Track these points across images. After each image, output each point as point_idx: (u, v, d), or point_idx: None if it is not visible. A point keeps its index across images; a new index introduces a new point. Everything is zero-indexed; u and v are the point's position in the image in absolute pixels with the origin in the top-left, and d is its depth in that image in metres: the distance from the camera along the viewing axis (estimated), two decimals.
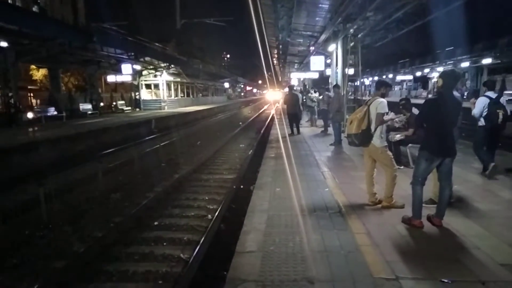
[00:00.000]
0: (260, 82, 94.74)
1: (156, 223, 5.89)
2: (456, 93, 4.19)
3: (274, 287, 2.93)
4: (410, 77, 43.36)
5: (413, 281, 2.97)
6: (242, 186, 7.90)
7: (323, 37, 14.94)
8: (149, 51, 23.89)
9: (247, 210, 4.85)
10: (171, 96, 29.23)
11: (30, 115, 16.87)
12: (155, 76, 27.48)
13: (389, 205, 4.66)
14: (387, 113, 4.67)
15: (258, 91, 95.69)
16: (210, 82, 42.19)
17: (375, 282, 2.97)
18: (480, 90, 27.92)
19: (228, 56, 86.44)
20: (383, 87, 4.74)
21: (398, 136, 6.74)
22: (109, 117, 20.46)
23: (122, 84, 31.79)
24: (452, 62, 29.48)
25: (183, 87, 32.45)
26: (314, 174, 6.77)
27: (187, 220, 5.97)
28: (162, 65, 26.47)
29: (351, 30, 12.51)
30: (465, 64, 28.59)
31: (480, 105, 5.97)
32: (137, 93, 28.22)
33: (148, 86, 28.16)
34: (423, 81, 42.90)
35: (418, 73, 39.31)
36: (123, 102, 27.85)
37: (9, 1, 14.28)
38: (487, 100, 5.93)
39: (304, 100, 17.25)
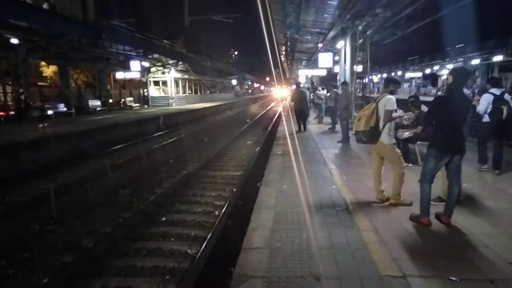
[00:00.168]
0: (267, 79, 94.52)
1: (164, 218, 5.93)
2: (466, 91, 4.14)
3: (281, 284, 2.94)
4: (419, 74, 42.88)
5: (421, 279, 2.95)
6: (249, 183, 7.91)
7: (331, 34, 14.83)
8: (158, 48, 23.99)
9: (254, 206, 4.86)
10: (179, 93, 29.33)
11: (39, 111, 17.06)
12: (163, 73, 27.59)
13: (397, 203, 4.64)
14: (395, 111, 4.64)
15: (265, 88, 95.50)
16: (217, 79, 42.24)
17: (382, 279, 2.96)
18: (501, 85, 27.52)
19: (236, 53, 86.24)
20: (392, 84, 4.70)
21: (406, 134, 6.69)
22: (118, 113, 20.61)
23: (131, 81, 32.00)
24: (462, 59, 29.08)
25: (191, 84, 32.53)
26: (321, 171, 6.76)
27: (194, 216, 6.00)
28: (170, 62, 26.56)
29: (360, 27, 12.42)
30: (476, 62, 28.19)
31: (484, 102, 6.04)
32: (145, 90, 28.39)
33: (156, 83, 28.30)
34: (433, 79, 42.40)
35: (428, 71, 38.82)
36: (131, 98, 28.06)
37: None
38: (491, 97, 5.99)
39: (312, 97, 17.18)
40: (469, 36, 24.67)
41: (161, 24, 35.76)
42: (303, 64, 32.16)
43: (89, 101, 21.94)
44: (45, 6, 16.51)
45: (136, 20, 25.37)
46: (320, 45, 18.51)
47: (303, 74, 30.51)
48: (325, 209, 4.64)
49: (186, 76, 30.54)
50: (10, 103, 19.05)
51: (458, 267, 3.13)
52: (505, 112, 5.83)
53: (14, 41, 14.57)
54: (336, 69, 16.85)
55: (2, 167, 8.86)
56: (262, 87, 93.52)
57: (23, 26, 13.54)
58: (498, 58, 25.50)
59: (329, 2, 12.83)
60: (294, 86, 15.72)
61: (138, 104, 27.10)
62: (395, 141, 4.80)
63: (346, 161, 7.84)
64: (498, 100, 5.93)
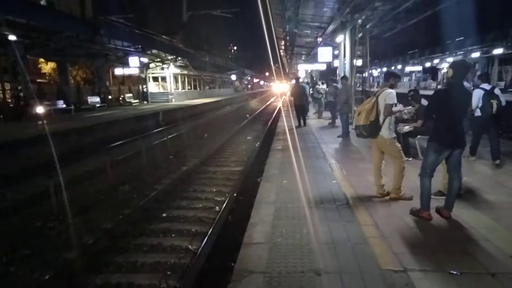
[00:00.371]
0: (267, 74, 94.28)
1: (164, 214, 5.94)
2: (466, 84, 4.12)
3: (281, 279, 2.94)
4: (419, 68, 42.78)
5: (421, 273, 2.96)
6: (249, 178, 7.91)
7: (330, 28, 14.76)
8: (156, 43, 23.91)
9: (254, 202, 4.86)
10: (178, 88, 29.28)
11: (39, 108, 17.02)
12: (162, 68, 27.53)
13: (397, 197, 4.64)
14: (395, 105, 4.62)
15: (265, 83, 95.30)
16: (217, 74, 42.14)
17: (383, 273, 2.96)
18: (491, 80, 27.45)
19: (235, 48, 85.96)
20: (392, 78, 4.68)
21: (406, 128, 6.68)
22: (117, 110, 20.58)
23: (130, 77, 31.93)
24: (462, 52, 28.98)
25: (190, 79, 32.47)
26: (321, 166, 6.75)
27: (195, 212, 6.01)
28: (169, 57, 26.48)
29: (359, 21, 12.36)
30: (476, 55, 28.10)
31: (475, 97, 6.16)
32: (144, 86, 28.33)
33: (155, 79, 28.24)
34: (433, 72, 42.31)
35: (428, 64, 38.72)
36: (130, 95, 28.00)
37: None
38: (482, 92, 6.18)
39: (311, 92, 17.14)
40: (469, 29, 24.57)
41: (159, 20, 35.60)
42: (303, 58, 32.07)
43: (88, 97, 21.89)
44: (42, 2, 16.44)
45: (135, 16, 25.25)
46: (319, 39, 18.44)
47: (303, 69, 30.42)
48: (326, 204, 4.64)
49: (185, 72, 30.47)
50: (9, 100, 19.02)
51: (459, 261, 3.13)
52: (495, 106, 6.07)
53: (12, 37, 14.49)
54: (336, 63, 16.79)
55: (2, 165, 8.86)
56: (262, 82, 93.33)
57: (21, 22, 13.48)
58: (498, 51, 25.42)
59: None
60: (293, 81, 15.66)
61: (137, 100, 27.05)
62: (395, 135, 4.79)
63: (346, 155, 7.83)
64: (488, 95, 6.14)
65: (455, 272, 2.94)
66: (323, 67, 21.89)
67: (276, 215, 4.31)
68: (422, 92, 8.03)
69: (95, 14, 18.86)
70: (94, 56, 22.09)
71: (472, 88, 6.88)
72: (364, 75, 22.42)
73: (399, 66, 44.24)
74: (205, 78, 36.65)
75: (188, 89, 31.83)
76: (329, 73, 20.97)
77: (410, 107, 6.58)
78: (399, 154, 4.63)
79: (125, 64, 24.08)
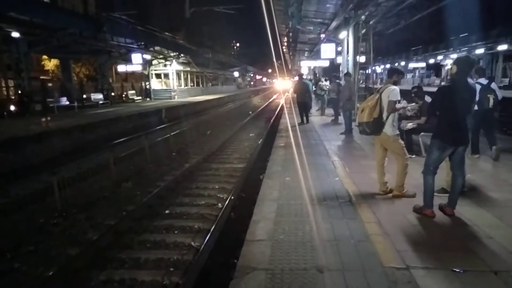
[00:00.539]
0: (270, 71, 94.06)
1: (167, 211, 5.96)
2: (470, 80, 4.09)
3: (284, 276, 2.94)
4: (423, 64, 42.53)
5: (424, 270, 2.95)
6: (252, 176, 7.91)
7: (334, 24, 14.68)
8: (159, 40, 23.89)
9: (257, 199, 4.86)
10: (181, 85, 29.27)
11: (42, 105, 17.10)
12: (165, 65, 27.52)
13: (400, 194, 4.62)
14: (399, 101, 4.59)
15: (267, 80, 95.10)
16: (219, 71, 42.09)
17: (385, 271, 2.95)
18: (495, 77, 27.29)
19: (238, 44, 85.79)
20: (395, 75, 4.65)
21: (410, 125, 6.65)
22: (120, 106, 20.62)
23: (133, 73, 32.02)
24: (466, 49, 28.79)
25: (193, 76, 32.44)
26: (324, 163, 6.74)
27: (197, 209, 6.02)
28: (172, 54, 26.47)
29: (363, 17, 12.26)
30: (480, 51, 27.91)
31: None
32: (147, 83, 28.35)
33: (158, 76, 28.24)
34: (436, 69, 42.09)
35: (431, 61, 38.50)
36: (133, 91, 28.06)
37: None
38: (479, 87, 6.15)
39: (314, 88, 17.08)
40: (473, 25, 24.38)
41: (162, 16, 35.53)
42: (306, 55, 31.99)
43: (91, 94, 21.96)
44: None
45: (137, 12, 25.26)
46: (322, 35, 18.34)
47: (306, 65, 30.33)
48: (328, 201, 4.63)
49: (188, 69, 30.44)
50: (13, 97, 19.09)
51: (462, 258, 3.12)
52: (491, 100, 6.12)
53: (16, 35, 14.55)
54: (339, 60, 16.70)
55: (7, 161, 8.91)
56: (265, 79, 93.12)
57: (24, 19, 13.51)
58: (503, 47, 25.24)
59: None
60: (296, 78, 15.60)
61: (140, 97, 27.09)
62: (398, 132, 4.77)
63: (349, 153, 7.81)
64: (485, 90, 6.17)
65: (458, 270, 2.93)
66: (326, 63, 21.81)
67: (278, 212, 4.31)
68: (425, 88, 7.96)
69: (98, 11, 18.83)
70: (97, 53, 22.13)
71: (475, 84, 6.89)
72: (367, 71, 22.29)
73: (403, 63, 43.98)
74: (208, 75, 36.63)
75: (191, 86, 31.82)
76: (332, 70, 20.89)
77: (413, 104, 6.55)
78: (402, 151, 4.61)
79: (128, 61, 24.10)
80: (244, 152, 10.63)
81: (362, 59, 13.47)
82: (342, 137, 9.62)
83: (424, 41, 36.28)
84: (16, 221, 5.67)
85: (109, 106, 20.85)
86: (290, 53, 40.29)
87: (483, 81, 6.29)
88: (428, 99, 6.45)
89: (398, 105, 4.56)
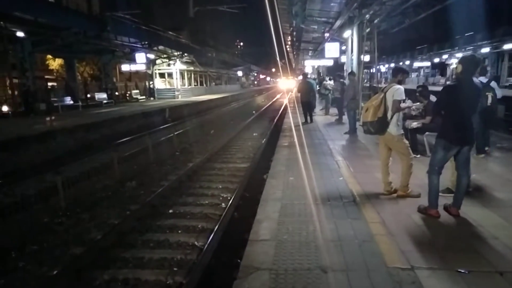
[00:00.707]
0: (273, 70, 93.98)
1: (171, 211, 5.96)
2: (475, 80, 4.05)
3: (288, 276, 2.93)
4: (428, 63, 42.28)
5: (429, 271, 2.93)
6: (255, 175, 7.90)
7: (338, 23, 14.65)
8: (163, 39, 23.94)
9: (260, 199, 4.85)
10: (184, 85, 29.31)
11: (46, 104, 17.17)
12: (169, 65, 27.56)
13: (405, 194, 4.60)
14: (404, 101, 4.56)
15: (271, 79, 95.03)
16: (223, 70, 42.10)
17: (390, 271, 2.94)
18: (500, 76, 27.09)
19: (242, 44, 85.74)
20: (400, 74, 4.62)
21: (415, 124, 6.61)
22: (124, 106, 20.68)
23: (136, 73, 32.08)
24: (471, 47, 28.58)
25: (197, 76, 32.49)
26: (328, 163, 6.71)
27: (201, 208, 6.02)
28: (176, 53, 26.50)
29: (367, 16, 12.21)
30: (485, 50, 27.69)
31: None
32: (151, 82, 28.40)
33: (162, 75, 28.30)
34: (441, 68, 41.77)
35: (436, 60, 38.25)
36: (137, 91, 28.13)
37: None
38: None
39: (318, 88, 17.05)
40: (478, 24, 24.17)
41: (166, 15, 35.56)
42: (310, 54, 31.92)
43: (95, 93, 22.04)
44: None
45: (141, 12, 25.26)
46: (326, 34, 18.33)
47: (310, 65, 30.26)
48: (332, 201, 4.61)
49: (192, 68, 30.48)
50: (17, 96, 19.19)
51: (467, 259, 3.10)
52: (490, 98, 6.13)
53: (20, 34, 14.63)
54: (343, 59, 16.66)
55: (12, 161, 8.96)
56: (268, 78, 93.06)
57: (29, 19, 13.58)
58: (508, 46, 25.02)
59: None
60: (300, 77, 15.58)
61: (144, 97, 27.15)
62: (403, 132, 4.74)
63: (353, 152, 7.78)
64: (484, 87, 6.12)
65: (463, 271, 2.91)
66: (330, 62, 21.74)
67: (282, 212, 4.30)
68: (430, 88, 7.94)
69: (102, 10, 18.90)
70: (101, 52, 22.21)
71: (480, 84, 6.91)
72: (371, 70, 22.20)
73: (407, 62, 43.73)
74: (212, 74, 36.65)
75: (195, 85, 31.86)
76: (336, 69, 20.84)
77: (418, 103, 6.52)
78: (407, 151, 4.58)
79: (132, 60, 24.17)
80: (248, 152, 10.62)
81: (366, 58, 13.40)
82: (346, 137, 9.59)
83: (429, 40, 36.05)
84: (21, 220, 5.69)
85: (113, 105, 20.91)
86: (294, 52, 40.26)
87: (483, 79, 6.29)
88: (433, 98, 6.41)
89: (402, 105, 4.54)
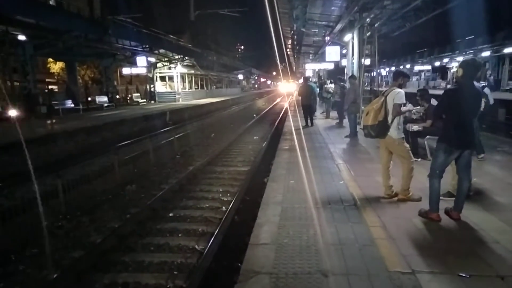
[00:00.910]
0: (274, 73, 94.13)
1: (171, 214, 5.96)
2: (476, 84, 4.05)
3: (288, 280, 2.92)
4: (429, 67, 42.31)
5: (430, 275, 2.92)
6: (256, 179, 7.89)
7: (338, 26, 14.67)
8: (164, 43, 23.98)
9: (261, 202, 4.84)
10: (185, 88, 29.36)
11: (47, 108, 17.17)
12: (170, 68, 27.62)
13: (406, 198, 4.58)
14: (404, 104, 4.56)
15: (272, 82, 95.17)
16: (224, 74, 42.17)
17: (391, 275, 2.93)
18: (501, 80, 27.10)
19: (242, 47, 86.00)
20: (400, 78, 4.62)
21: (415, 127, 6.60)
22: (125, 109, 20.70)
23: (137, 76, 32.13)
24: (472, 51, 28.61)
25: (197, 79, 32.54)
26: (328, 166, 6.71)
27: (201, 212, 6.02)
28: (177, 57, 26.55)
29: (368, 20, 12.24)
30: (486, 54, 27.72)
31: None
32: (152, 86, 28.45)
33: (162, 79, 28.36)
34: (442, 72, 41.81)
35: (437, 63, 38.30)
36: (138, 94, 28.15)
37: None
38: None
39: (319, 91, 17.06)
40: (479, 27, 24.22)
41: (167, 19, 35.74)
42: (310, 57, 31.94)
43: (96, 97, 22.06)
44: (51, 2, 16.60)
45: (142, 15, 25.36)
46: (327, 38, 18.34)
47: (310, 68, 30.28)
48: (333, 204, 4.60)
49: (192, 71, 30.54)
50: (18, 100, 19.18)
51: (468, 263, 3.09)
52: (482, 103, 6.04)
53: (22, 37, 14.67)
54: (344, 62, 16.68)
55: (12, 164, 8.95)
56: (269, 82, 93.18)
57: (30, 22, 13.62)
58: (509, 50, 25.03)
59: None
60: (301, 80, 15.59)
61: (144, 100, 27.18)
62: (403, 136, 4.73)
63: (354, 156, 7.77)
64: None
65: (464, 275, 2.90)
66: (330, 66, 21.74)
67: (283, 215, 4.29)
68: (431, 91, 7.95)
69: (103, 14, 18.99)
70: (102, 56, 22.25)
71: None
72: (372, 74, 22.23)
73: (408, 65, 43.82)
74: (212, 78, 36.71)
75: (195, 88, 31.90)
76: (337, 73, 20.88)
77: (419, 107, 6.52)
78: (408, 155, 4.58)
79: (133, 63, 24.23)
80: (248, 155, 10.62)
81: (367, 61, 13.43)
82: (347, 140, 9.58)
83: (429, 43, 36.15)
84: (20, 223, 5.68)
85: (114, 108, 20.92)
86: (295, 56, 40.29)
87: (477, 85, 6.36)
88: (433, 102, 6.41)
89: (403, 108, 4.54)
